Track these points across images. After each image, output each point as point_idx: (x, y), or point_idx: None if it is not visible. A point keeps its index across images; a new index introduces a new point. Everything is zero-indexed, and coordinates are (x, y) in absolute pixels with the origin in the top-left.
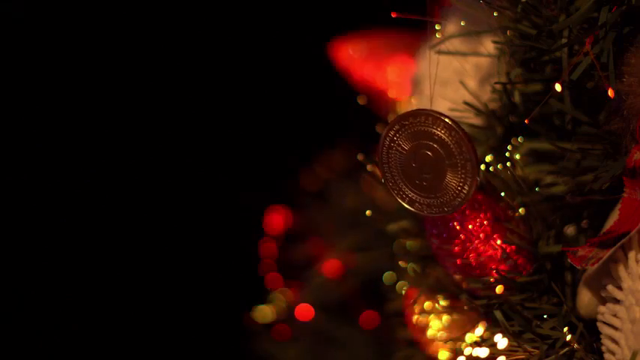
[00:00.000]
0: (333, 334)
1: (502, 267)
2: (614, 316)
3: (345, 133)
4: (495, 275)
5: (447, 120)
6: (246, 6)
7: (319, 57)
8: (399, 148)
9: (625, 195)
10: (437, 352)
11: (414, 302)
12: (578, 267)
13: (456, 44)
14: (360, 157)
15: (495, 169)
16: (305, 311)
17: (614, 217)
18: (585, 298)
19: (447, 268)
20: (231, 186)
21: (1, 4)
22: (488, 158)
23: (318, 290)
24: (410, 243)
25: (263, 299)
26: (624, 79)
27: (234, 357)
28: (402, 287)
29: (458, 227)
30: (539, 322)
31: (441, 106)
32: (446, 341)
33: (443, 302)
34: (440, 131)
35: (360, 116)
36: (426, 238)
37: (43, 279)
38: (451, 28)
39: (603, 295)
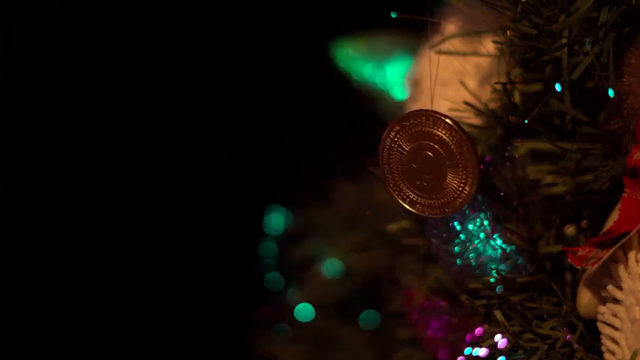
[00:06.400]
0: (333, 334)
1: (502, 267)
2: (614, 316)
3: (345, 133)
4: (495, 275)
5: (447, 120)
6: (246, 6)
7: (320, 57)
8: (400, 149)
9: (625, 195)
10: (437, 352)
11: (414, 302)
12: (578, 267)
13: (456, 44)
14: (360, 157)
15: (495, 169)
16: (305, 311)
17: (614, 217)
18: (585, 298)
19: (447, 268)
20: (232, 186)
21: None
22: (488, 158)
23: (318, 290)
24: (410, 243)
25: (263, 300)
26: (624, 79)
27: (234, 357)
28: (402, 287)
29: (458, 227)
30: (539, 322)
31: (441, 106)
32: (446, 341)
33: (443, 302)
34: (441, 132)
35: (360, 116)
36: (426, 238)
37: (43, 279)
38: (451, 28)
39: (603, 295)
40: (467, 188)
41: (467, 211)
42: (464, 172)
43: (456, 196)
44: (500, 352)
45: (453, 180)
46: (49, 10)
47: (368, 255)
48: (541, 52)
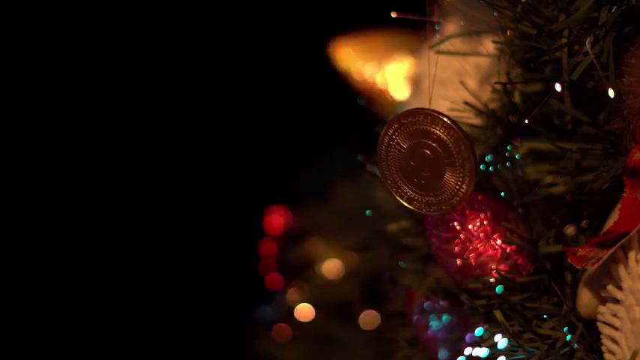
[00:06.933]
0: (333, 334)
1: (502, 267)
2: (614, 316)
3: (344, 132)
4: (495, 275)
5: (445, 119)
6: (246, 6)
7: (319, 57)
8: (398, 147)
9: (625, 195)
10: (437, 352)
11: (414, 302)
12: (578, 267)
13: (456, 44)
14: (360, 156)
15: (495, 169)
16: (305, 311)
17: (614, 217)
18: (585, 298)
19: (447, 268)
20: (232, 186)
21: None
22: (488, 158)
23: (318, 290)
24: (410, 243)
25: (263, 299)
26: (624, 79)
27: (235, 357)
28: (402, 287)
29: (458, 227)
30: (539, 322)
31: (441, 106)
32: (446, 341)
33: (443, 302)
34: (438, 130)
35: (360, 116)
36: (426, 238)
37: (44, 280)
38: (451, 28)
39: (603, 295)
40: (464, 187)
41: (467, 211)
42: (461, 170)
43: (453, 194)
44: (501, 352)
45: (450, 178)
46: (49, 10)
47: (368, 255)
48: (541, 52)
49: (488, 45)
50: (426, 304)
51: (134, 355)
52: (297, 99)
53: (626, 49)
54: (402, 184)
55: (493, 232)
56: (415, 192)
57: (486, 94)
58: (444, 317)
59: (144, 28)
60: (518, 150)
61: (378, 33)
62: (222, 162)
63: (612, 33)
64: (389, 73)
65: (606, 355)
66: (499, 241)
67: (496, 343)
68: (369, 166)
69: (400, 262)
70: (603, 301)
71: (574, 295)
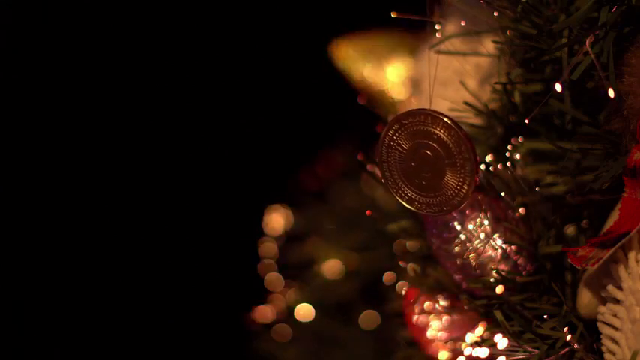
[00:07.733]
0: (333, 334)
1: (502, 267)
2: (614, 316)
3: (345, 132)
4: (495, 275)
5: (446, 119)
6: (246, 6)
7: (319, 57)
8: (399, 148)
9: (625, 195)
10: (437, 352)
11: (414, 302)
12: (578, 267)
13: (456, 44)
14: (360, 156)
15: (495, 169)
16: (305, 311)
17: (614, 217)
18: (585, 298)
19: (447, 268)
20: (232, 186)
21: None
22: (488, 158)
23: (318, 290)
24: (410, 243)
25: (263, 299)
26: (624, 79)
27: (234, 357)
28: (402, 287)
29: (458, 227)
30: (539, 322)
31: (441, 106)
32: (446, 341)
33: (443, 302)
34: (439, 131)
35: (360, 116)
36: (426, 238)
37: (44, 280)
38: (451, 28)
39: (603, 295)
40: (465, 187)
41: (466, 211)
42: (462, 171)
43: (454, 194)
44: (501, 352)
45: (451, 179)
46: (48, 10)
47: (368, 255)
48: (541, 52)
49: (488, 45)
50: (426, 304)
51: (134, 355)
52: (297, 99)
53: (626, 49)
54: (403, 185)
55: (493, 232)
56: (416, 193)
57: (486, 94)
58: (444, 317)
59: (142, 27)
60: (518, 150)
61: (379, 33)
62: (222, 162)
63: (612, 33)
64: (389, 73)
65: (606, 355)
66: (499, 241)
67: (496, 343)
68: (369, 166)
69: (400, 262)
70: (603, 301)
71: (574, 295)
